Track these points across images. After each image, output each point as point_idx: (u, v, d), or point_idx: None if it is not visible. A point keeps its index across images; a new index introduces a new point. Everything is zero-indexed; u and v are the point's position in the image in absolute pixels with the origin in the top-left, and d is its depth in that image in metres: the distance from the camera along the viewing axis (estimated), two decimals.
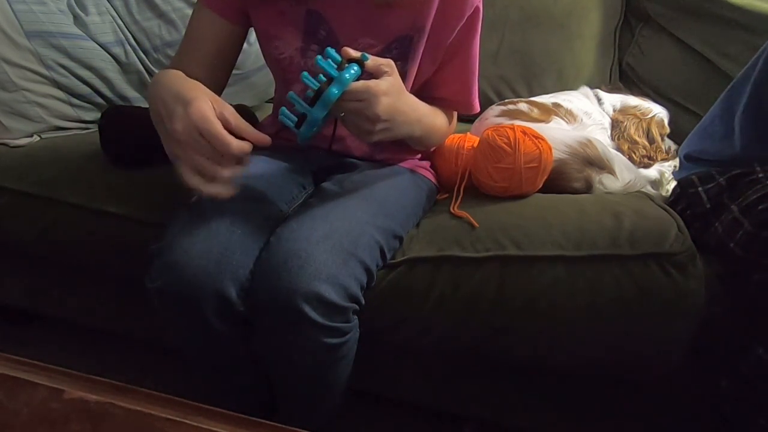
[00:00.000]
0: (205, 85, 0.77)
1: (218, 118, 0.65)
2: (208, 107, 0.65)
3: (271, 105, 1.07)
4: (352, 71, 0.69)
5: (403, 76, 0.87)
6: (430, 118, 0.88)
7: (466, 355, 0.90)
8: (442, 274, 0.83)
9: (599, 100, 1.29)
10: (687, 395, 0.90)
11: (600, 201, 0.92)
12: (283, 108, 0.71)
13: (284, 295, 0.69)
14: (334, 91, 0.67)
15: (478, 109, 0.96)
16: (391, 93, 0.72)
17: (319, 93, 0.68)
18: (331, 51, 0.70)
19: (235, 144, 0.64)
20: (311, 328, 0.70)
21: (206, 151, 0.65)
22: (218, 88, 0.89)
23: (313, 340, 0.71)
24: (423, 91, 0.91)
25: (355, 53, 0.69)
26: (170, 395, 0.52)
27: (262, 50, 0.90)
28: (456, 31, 0.85)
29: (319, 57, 0.69)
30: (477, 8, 0.85)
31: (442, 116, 0.93)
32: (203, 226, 0.74)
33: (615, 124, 1.24)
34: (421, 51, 0.86)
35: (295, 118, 0.71)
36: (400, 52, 0.85)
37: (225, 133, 0.64)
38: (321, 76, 0.68)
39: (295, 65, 0.88)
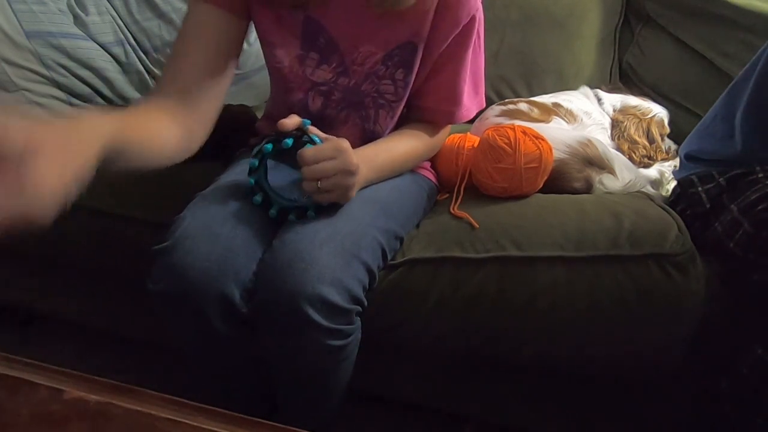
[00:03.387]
0: (205, 85, 0.76)
1: None
2: None
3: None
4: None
5: (406, 85, 0.86)
6: (386, 152, 0.86)
7: (466, 355, 0.90)
8: (442, 274, 0.83)
9: (599, 100, 1.29)
10: (687, 395, 0.90)
11: (600, 201, 0.92)
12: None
13: (288, 298, 0.69)
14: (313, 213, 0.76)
15: (465, 118, 0.91)
16: (348, 145, 0.74)
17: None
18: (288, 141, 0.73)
19: None
20: (314, 330, 0.70)
21: None
22: (221, 90, 0.81)
23: (316, 342, 0.71)
24: (409, 99, 0.90)
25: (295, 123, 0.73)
26: (170, 395, 0.52)
27: (264, 59, 0.89)
28: (449, 40, 0.83)
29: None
30: (473, 18, 0.83)
31: (406, 138, 0.89)
32: (206, 228, 0.74)
33: (615, 124, 1.24)
34: (420, 59, 0.85)
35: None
36: (402, 59, 0.84)
37: None
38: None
39: (294, 73, 0.86)
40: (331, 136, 0.76)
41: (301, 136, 0.74)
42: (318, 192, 0.72)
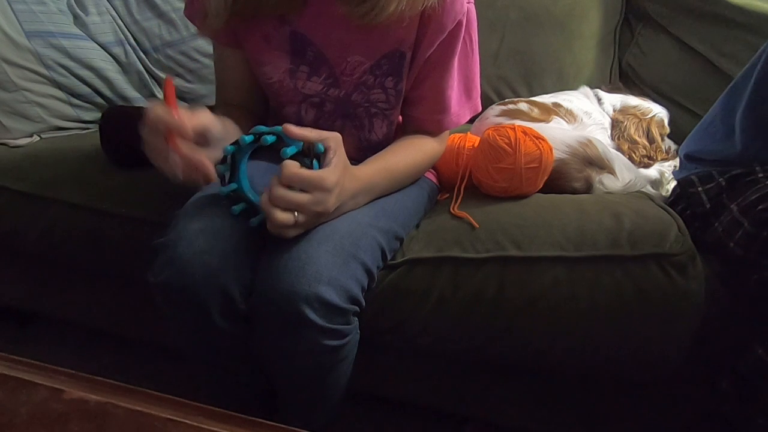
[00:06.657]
0: (246, 109, 0.89)
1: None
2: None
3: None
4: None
5: (398, 93, 0.86)
6: (385, 172, 0.82)
7: (466, 355, 0.90)
8: (442, 274, 0.83)
9: (599, 100, 1.29)
10: (687, 395, 0.90)
11: (600, 201, 0.92)
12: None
13: (285, 297, 0.69)
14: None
15: (456, 124, 0.89)
16: (339, 182, 0.70)
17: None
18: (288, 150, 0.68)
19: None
20: (311, 330, 0.70)
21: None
22: (260, 111, 0.93)
23: (313, 342, 0.71)
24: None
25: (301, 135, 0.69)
26: (170, 395, 0.52)
27: (257, 77, 0.89)
28: (435, 46, 0.81)
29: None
30: (459, 23, 0.80)
31: (405, 152, 0.87)
32: (208, 222, 0.74)
33: (615, 124, 1.24)
34: (408, 66, 0.83)
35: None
36: (391, 68, 0.83)
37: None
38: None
39: (286, 87, 0.86)
40: (330, 156, 0.71)
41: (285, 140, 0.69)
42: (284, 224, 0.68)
